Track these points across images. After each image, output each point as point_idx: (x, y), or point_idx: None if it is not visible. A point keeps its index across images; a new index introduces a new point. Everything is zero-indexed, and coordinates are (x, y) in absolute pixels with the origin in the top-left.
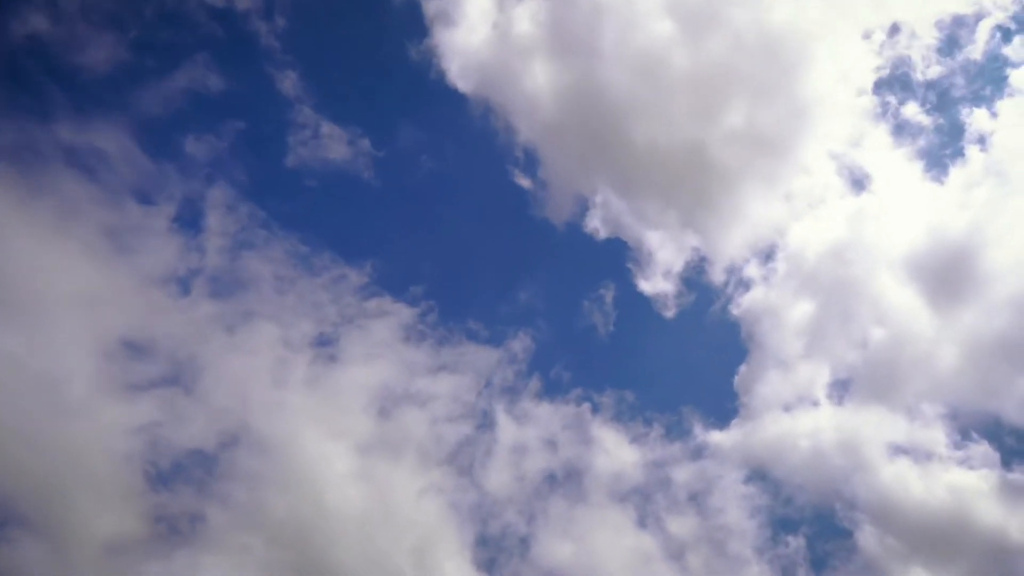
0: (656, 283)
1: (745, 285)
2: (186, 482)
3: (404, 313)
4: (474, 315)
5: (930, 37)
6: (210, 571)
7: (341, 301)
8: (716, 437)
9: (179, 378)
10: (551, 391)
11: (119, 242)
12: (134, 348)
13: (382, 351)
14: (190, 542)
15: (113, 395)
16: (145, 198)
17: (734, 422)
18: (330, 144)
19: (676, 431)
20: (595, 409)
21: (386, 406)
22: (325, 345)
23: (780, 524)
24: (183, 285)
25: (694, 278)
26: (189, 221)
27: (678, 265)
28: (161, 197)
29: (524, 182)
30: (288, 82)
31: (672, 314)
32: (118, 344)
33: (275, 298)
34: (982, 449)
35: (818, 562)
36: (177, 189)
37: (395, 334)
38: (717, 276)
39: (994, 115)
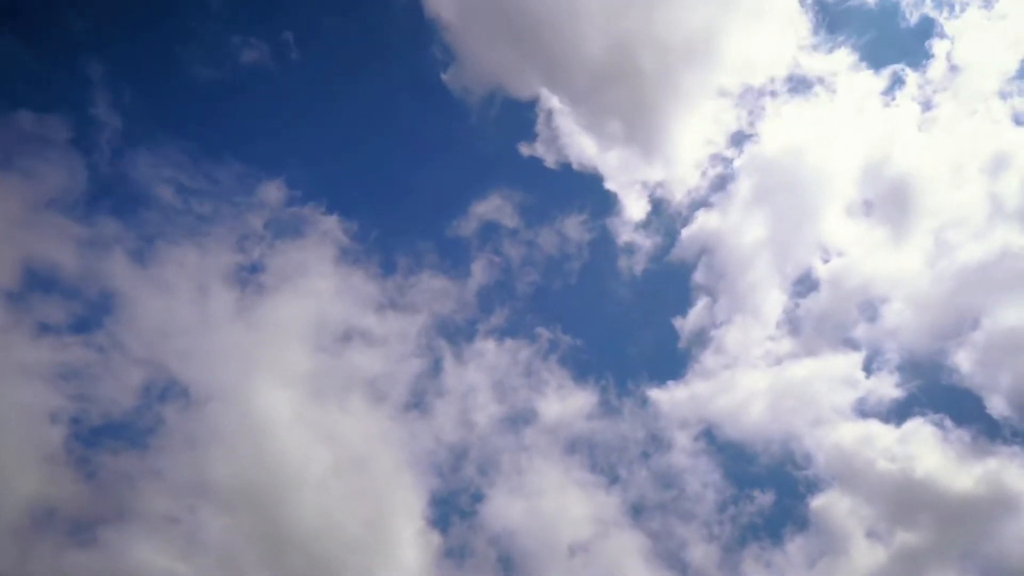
0: (619, 229)
1: (693, 207)
2: (113, 440)
3: (337, 229)
4: (409, 234)
5: None
6: (147, 540)
7: (264, 213)
8: (667, 391)
9: (93, 320)
10: (501, 332)
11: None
12: (38, 284)
13: (317, 275)
14: (121, 511)
15: (19, 343)
16: (33, 103)
17: (685, 375)
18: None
19: (626, 383)
20: (547, 355)
21: (326, 343)
22: (254, 271)
23: (734, 477)
24: (84, 205)
25: (655, 214)
26: (83, 130)
27: (640, 208)
28: (51, 102)
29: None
30: None
31: (632, 257)
32: (18, 280)
33: (192, 220)
34: (937, 412)
35: (771, 517)
36: (68, 91)
37: (329, 254)
38: (667, 210)
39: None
